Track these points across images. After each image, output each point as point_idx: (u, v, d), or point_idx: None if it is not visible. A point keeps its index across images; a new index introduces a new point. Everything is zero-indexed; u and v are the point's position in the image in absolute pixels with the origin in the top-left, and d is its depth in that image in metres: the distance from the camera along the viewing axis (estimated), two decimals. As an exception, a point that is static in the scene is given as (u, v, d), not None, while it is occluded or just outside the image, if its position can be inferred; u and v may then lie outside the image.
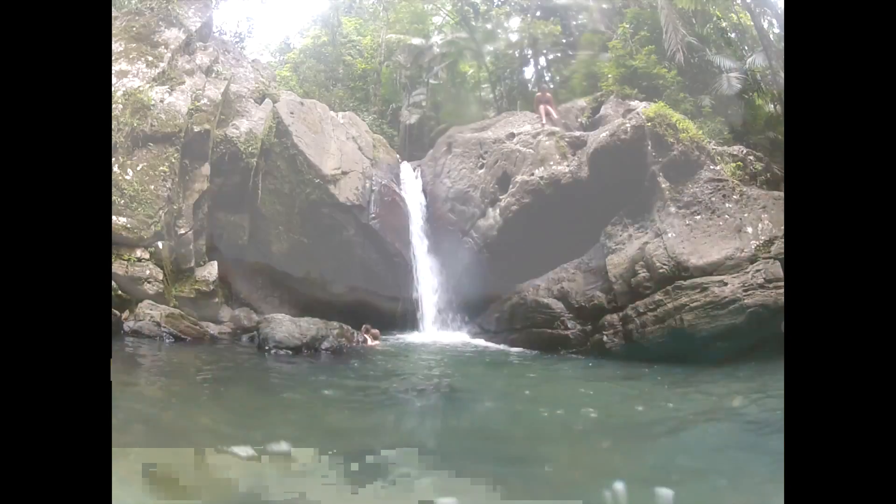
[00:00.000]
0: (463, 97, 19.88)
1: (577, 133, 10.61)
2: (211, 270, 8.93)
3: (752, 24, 12.98)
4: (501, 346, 8.91)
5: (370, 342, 7.78)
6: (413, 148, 16.63)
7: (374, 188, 11.89)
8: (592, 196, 9.34)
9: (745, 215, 7.10)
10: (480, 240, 11.06)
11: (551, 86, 18.09)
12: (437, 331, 10.98)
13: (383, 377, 5.23)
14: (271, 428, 3.25)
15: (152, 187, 7.97)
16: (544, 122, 11.76)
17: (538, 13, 18.53)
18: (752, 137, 11.81)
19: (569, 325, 8.12)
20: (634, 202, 8.25)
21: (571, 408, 4.33)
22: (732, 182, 7.58)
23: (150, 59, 9.22)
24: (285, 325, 6.53)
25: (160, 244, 7.83)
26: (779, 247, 6.68)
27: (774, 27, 13.61)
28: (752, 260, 6.61)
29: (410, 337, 10.16)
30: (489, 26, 18.70)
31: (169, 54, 9.51)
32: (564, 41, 18.17)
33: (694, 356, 6.41)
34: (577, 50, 17.19)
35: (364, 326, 8.30)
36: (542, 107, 12.15)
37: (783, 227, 6.82)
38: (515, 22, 19.18)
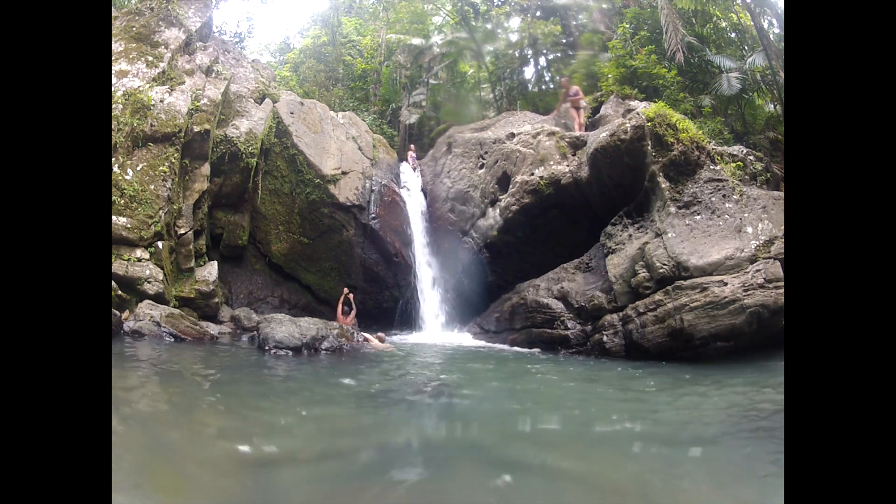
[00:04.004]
0: (463, 97, 19.89)
1: (577, 133, 10.62)
2: (211, 270, 8.93)
3: (752, 24, 12.99)
4: (501, 346, 8.92)
5: (376, 344, 7.72)
6: (414, 148, 16.64)
7: (374, 188, 11.91)
8: (592, 196, 9.34)
9: (745, 215, 7.10)
10: (480, 240, 11.07)
11: (551, 86, 18.14)
12: (436, 331, 10.99)
13: (383, 377, 5.22)
14: (271, 428, 3.25)
15: (152, 187, 7.97)
16: (579, 123, 11.45)
17: (538, 13, 18.55)
18: (752, 137, 11.82)
19: (569, 325, 8.12)
20: (634, 202, 8.25)
21: (571, 409, 4.33)
22: (732, 182, 7.57)
23: (150, 59, 9.22)
24: (285, 325, 6.52)
25: (160, 244, 7.83)
26: (779, 247, 6.67)
27: (774, 27, 13.63)
28: (752, 260, 6.61)
29: (410, 337, 10.15)
30: (489, 26, 18.72)
31: (169, 54, 9.51)
32: (564, 41, 18.20)
33: (694, 356, 6.42)
34: (577, 50, 17.22)
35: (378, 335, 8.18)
36: (573, 111, 11.74)
37: (783, 227, 6.82)
38: (515, 22, 19.22)
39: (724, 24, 14.47)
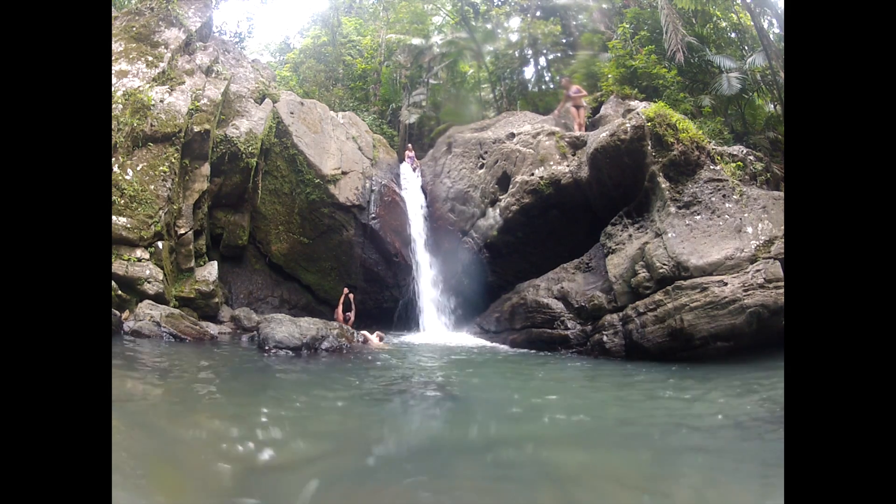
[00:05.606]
0: (463, 97, 19.89)
1: (577, 133, 10.62)
2: (211, 270, 8.94)
3: (752, 24, 12.99)
4: (501, 346, 8.91)
5: (375, 342, 7.77)
6: (413, 148, 16.67)
7: (374, 188, 11.91)
8: (592, 196, 9.34)
9: (745, 215, 7.10)
10: (480, 240, 11.07)
11: (551, 86, 18.13)
12: (437, 331, 10.99)
13: (383, 378, 5.22)
14: (271, 428, 3.25)
15: (152, 187, 7.97)
16: (579, 122, 11.37)
17: (538, 13, 18.56)
18: (752, 137, 11.82)
19: (569, 325, 8.12)
20: (634, 202, 8.25)
21: (571, 409, 4.33)
22: (732, 182, 7.57)
23: (150, 59, 9.22)
24: (285, 325, 6.52)
25: (160, 244, 7.83)
26: (779, 247, 6.67)
27: (774, 27, 13.64)
28: (752, 260, 6.61)
29: (410, 337, 10.15)
30: (489, 26, 18.73)
31: (169, 54, 9.51)
32: (564, 41, 18.21)
33: (694, 356, 6.41)
34: (577, 50, 17.22)
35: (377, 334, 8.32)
36: (573, 110, 11.66)
37: (783, 227, 6.82)
38: (515, 22, 19.23)
39: (724, 24, 14.48)
